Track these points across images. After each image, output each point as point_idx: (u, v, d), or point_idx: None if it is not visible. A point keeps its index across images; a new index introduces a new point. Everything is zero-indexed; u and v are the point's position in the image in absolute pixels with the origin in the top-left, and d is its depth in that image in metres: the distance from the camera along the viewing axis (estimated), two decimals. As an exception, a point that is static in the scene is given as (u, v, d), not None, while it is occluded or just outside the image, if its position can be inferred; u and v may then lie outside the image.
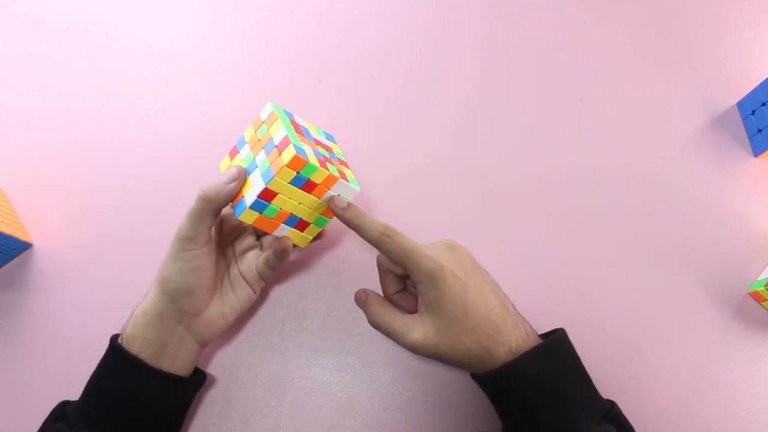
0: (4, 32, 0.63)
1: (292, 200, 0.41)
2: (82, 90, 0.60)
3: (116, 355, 0.40)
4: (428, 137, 0.58)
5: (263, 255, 0.46)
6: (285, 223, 0.43)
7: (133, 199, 0.55)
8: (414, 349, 0.39)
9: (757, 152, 0.57)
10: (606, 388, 0.40)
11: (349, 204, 0.42)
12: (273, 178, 0.38)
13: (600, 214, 0.54)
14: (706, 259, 0.52)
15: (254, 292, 0.47)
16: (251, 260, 0.46)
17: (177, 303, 0.41)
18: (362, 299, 0.43)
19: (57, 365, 0.48)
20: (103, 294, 0.51)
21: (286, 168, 0.38)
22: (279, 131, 0.40)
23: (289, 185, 0.39)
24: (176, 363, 0.41)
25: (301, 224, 0.44)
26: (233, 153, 0.44)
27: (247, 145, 0.42)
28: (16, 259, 0.52)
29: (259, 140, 0.41)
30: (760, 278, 0.51)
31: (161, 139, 0.57)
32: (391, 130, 0.58)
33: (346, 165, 0.44)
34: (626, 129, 0.58)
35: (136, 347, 0.40)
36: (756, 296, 0.51)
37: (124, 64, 0.61)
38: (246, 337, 0.49)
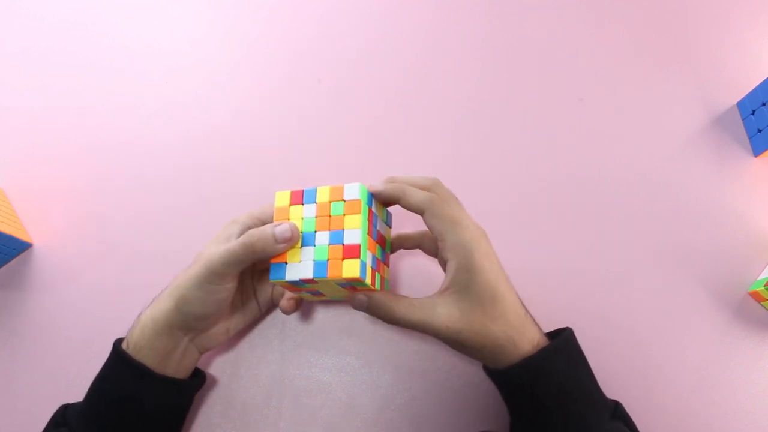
0: (4, 32, 0.63)
1: (326, 287, 0.40)
2: (82, 90, 0.60)
3: (121, 361, 0.40)
4: (428, 137, 0.58)
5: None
6: (308, 292, 0.42)
7: (133, 199, 0.55)
8: (438, 333, 0.37)
9: (757, 152, 0.57)
10: (606, 388, 0.40)
11: (389, 178, 0.40)
12: (324, 277, 0.37)
13: (600, 214, 0.54)
14: (706, 259, 0.52)
15: (260, 310, 0.47)
16: (268, 283, 0.47)
17: (189, 322, 0.41)
18: (364, 303, 0.39)
19: (57, 365, 0.48)
20: (102, 294, 0.51)
21: (341, 278, 0.37)
22: (354, 231, 0.37)
23: (334, 283, 0.38)
24: (180, 369, 0.42)
25: (319, 295, 0.43)
26: (296, 199, 0.40)
27: (315, 206, 0.39)
28: (16, 259, 0.52)
29: (329, 217, 0.38)
30: (760, 278, 0.51)
31: (161, 139, 0.57)
32: (391, 130, 0.58)
33: (387, 263, 0.43)
34: (626, 129, 0.58)
35: (142, 355, 0.40)
36: (756, 296, 0.50)
37: (124, 64, 0.61)
38: (246, 337, 0.49)
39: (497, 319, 0.37)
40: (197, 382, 0.44)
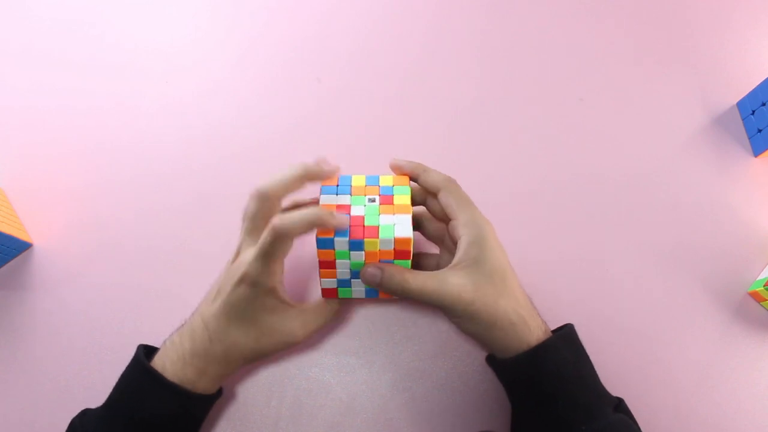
0: (4, 32, 0.63)
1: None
2: (82, 90, 0.60)
3: (157, 383, 0.38)
4: (428, 137, 0.58)
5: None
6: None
7: (133, 199, 0.55)
8: (452, 303, 0.37)
9: (757, 152, 0.57)
10: (606, 387, 0.40)
11: (411, 162, 0.42)
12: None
13: (599, 215, 0.54)
14: (706, 259, 0.52)
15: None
16: None
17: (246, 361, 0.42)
18: (377, 275, 0.38)
19: (57, 365, 0.48)
20: (102, 294, 0.51)
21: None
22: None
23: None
24: (215, 386, 0.42)
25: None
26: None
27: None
28: (16, 259, 0.52)
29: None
30: (760, 278, 0.51)
31: (161, 139, 0.57)
32: (391, 130, 0.58)
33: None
34: (626, 129, 0.58)
35: (185, 385, 0.39)
36: (756, 296, 0.51)
37: (124, 64, 0.61)
38: (246, 337, 0.49)
39: (508, 296, 0.38)
40: (218, 393, 0.43)
